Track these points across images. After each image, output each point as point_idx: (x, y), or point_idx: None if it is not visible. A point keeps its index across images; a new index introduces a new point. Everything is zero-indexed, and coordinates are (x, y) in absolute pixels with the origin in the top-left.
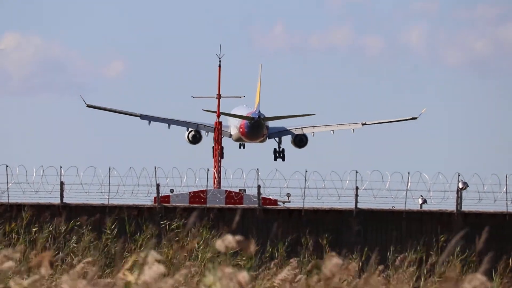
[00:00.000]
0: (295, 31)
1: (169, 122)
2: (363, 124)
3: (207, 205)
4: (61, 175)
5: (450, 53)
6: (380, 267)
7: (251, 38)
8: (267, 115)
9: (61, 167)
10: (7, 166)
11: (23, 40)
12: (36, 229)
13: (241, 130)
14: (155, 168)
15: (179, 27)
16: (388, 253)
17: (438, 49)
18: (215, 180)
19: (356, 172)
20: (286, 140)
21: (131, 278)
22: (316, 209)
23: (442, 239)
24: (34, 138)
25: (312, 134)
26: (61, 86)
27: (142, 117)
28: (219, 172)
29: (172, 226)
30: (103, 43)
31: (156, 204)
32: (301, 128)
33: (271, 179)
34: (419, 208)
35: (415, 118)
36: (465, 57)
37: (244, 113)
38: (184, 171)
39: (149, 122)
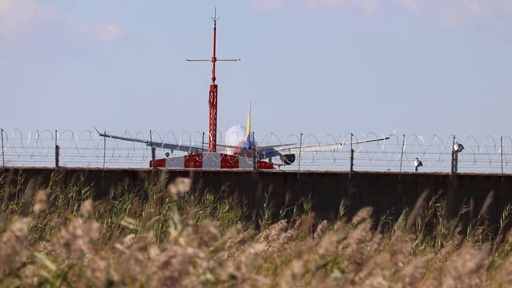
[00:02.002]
0: None
1: (172, 147)
2: (341, 145)
3: (203, 168)
4: (56, 139)
5: (446, 15)
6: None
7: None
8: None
9: (56, 131)
10: (2, 130)
11: (17, 4)
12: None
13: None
14: (150, 131)
15: None
16: (383, 216)
17: (433, 11)
18: (211, 143)
19: (352, 135)
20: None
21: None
22: (312, 172)
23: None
24: (29, 102)
25: (299, 154)
26: (56, 49)
27: (149, 143)
28: (214, 136)
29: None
30: (98, 7)
31: (152, 167)
32: (289, 149)
33: (266, 142)
34: (414, 170)
35: (388, 138)
36: (461, 19)
37: (239, 137)
38: (180, 135)
39: (154, 149)
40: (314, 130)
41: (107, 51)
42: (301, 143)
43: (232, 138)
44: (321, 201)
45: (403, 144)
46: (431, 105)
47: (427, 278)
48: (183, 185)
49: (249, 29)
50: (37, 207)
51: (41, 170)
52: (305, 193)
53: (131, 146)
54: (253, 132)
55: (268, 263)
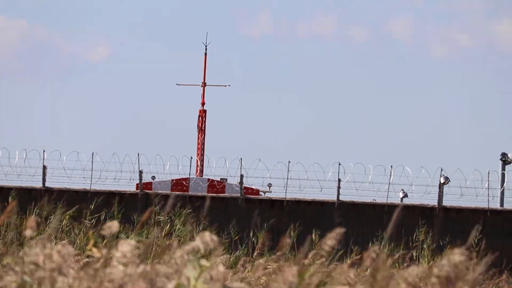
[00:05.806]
0: (282, 19)
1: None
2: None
3: (189, 193)
4: (43, 159)
5: (434, 46)
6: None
7: (237, 26)
8: None
9: (44, 151)
10: None
11: (8, 23)
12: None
13: None
14: (138, 154)
15: (167, 11)
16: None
17: (423, 42)
18: (198, 168)
19: (339, 164)
20: None
21: (98, 254)
22: (298, 200)
23: (422, 233)
24: (17, 121)
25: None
26: (45, 69)
27: None
28: (202, 161)
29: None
30: (89, 28)
31: (138, 190)
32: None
33: (254, 168)
34: (400, 202)
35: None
36: (450, 49)
37: None
38: (167, 159)
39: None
40: (302, 158)
41: (97, 73)
42: (288, 170)
43: None
44: (307, 229)
45: (390, 175)
46: (419, 137)
47: None
48: (205, 241)
49: (240, 55)
50: (28, 233)
51: (28, 190)
52: (291, 221)
53: (118, 168)
54: (240, 159)
55: None
